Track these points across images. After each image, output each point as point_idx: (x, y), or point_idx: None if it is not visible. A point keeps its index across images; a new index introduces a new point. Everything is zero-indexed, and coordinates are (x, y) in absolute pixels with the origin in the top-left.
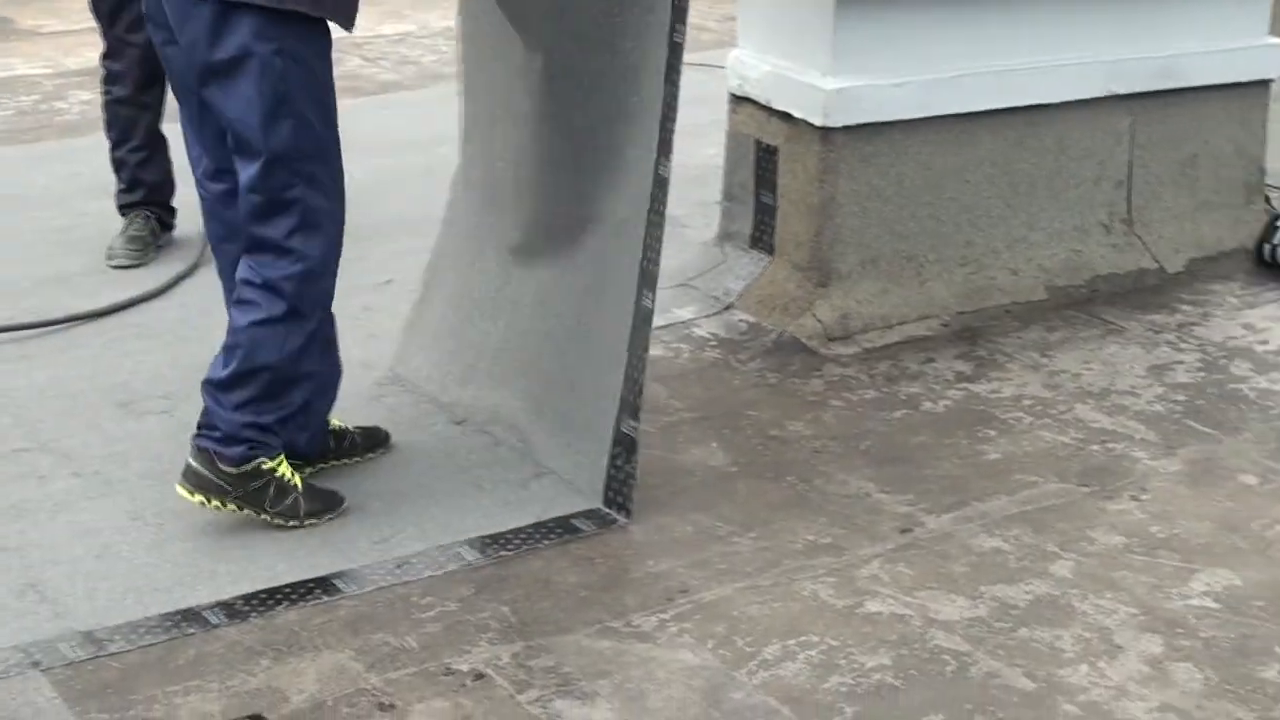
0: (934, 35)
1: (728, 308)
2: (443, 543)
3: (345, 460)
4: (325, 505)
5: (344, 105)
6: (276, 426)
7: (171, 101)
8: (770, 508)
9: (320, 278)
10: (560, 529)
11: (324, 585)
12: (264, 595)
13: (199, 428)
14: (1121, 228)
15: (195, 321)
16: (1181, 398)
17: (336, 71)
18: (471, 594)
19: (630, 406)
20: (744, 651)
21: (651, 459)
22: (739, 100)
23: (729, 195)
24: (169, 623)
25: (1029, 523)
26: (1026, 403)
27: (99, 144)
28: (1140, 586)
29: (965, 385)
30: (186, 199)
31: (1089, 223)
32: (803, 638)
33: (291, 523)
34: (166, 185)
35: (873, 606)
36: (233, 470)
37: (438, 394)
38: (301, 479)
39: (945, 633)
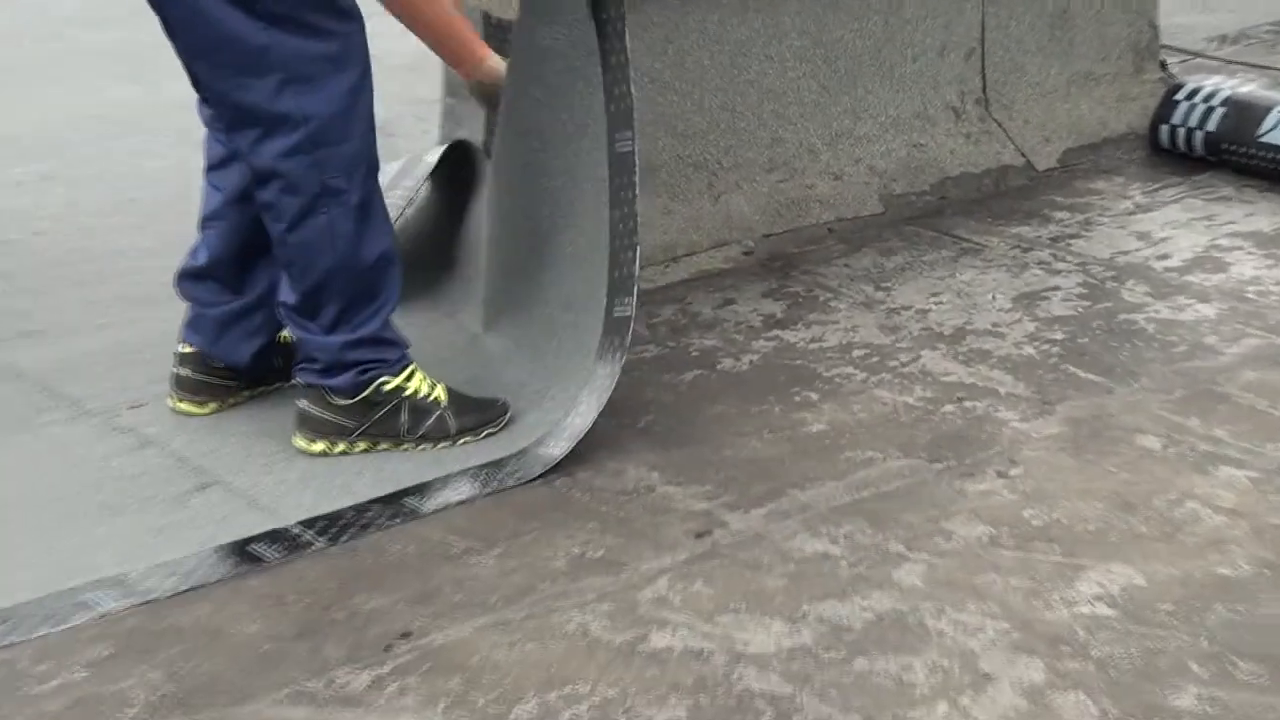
0: None
1: None
2: (65, 587)
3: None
4: (481, 418)
5: None
6: (385, 331)
7: None
8: (520, 514)
9: (338, 142)
10: (235, 558)
11: None
12: None
13: (297, 361)
14: (976, 111)
15: None
16: (1059, 336)
17: None
18: (108, 656)
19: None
20: (488, 713)
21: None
22: None
23: (452, 90)
24: None
25: (864, 515)
26: (858, 353)
27: None
28: (1013, 593)
29: (776, 333)
30: None
31: (933, 107)
32: (568, 689)
33: (442, 444)
34: None
35: (660, 641)
36: (348, 401)
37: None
38: (446, 388)
39: (758, 670)
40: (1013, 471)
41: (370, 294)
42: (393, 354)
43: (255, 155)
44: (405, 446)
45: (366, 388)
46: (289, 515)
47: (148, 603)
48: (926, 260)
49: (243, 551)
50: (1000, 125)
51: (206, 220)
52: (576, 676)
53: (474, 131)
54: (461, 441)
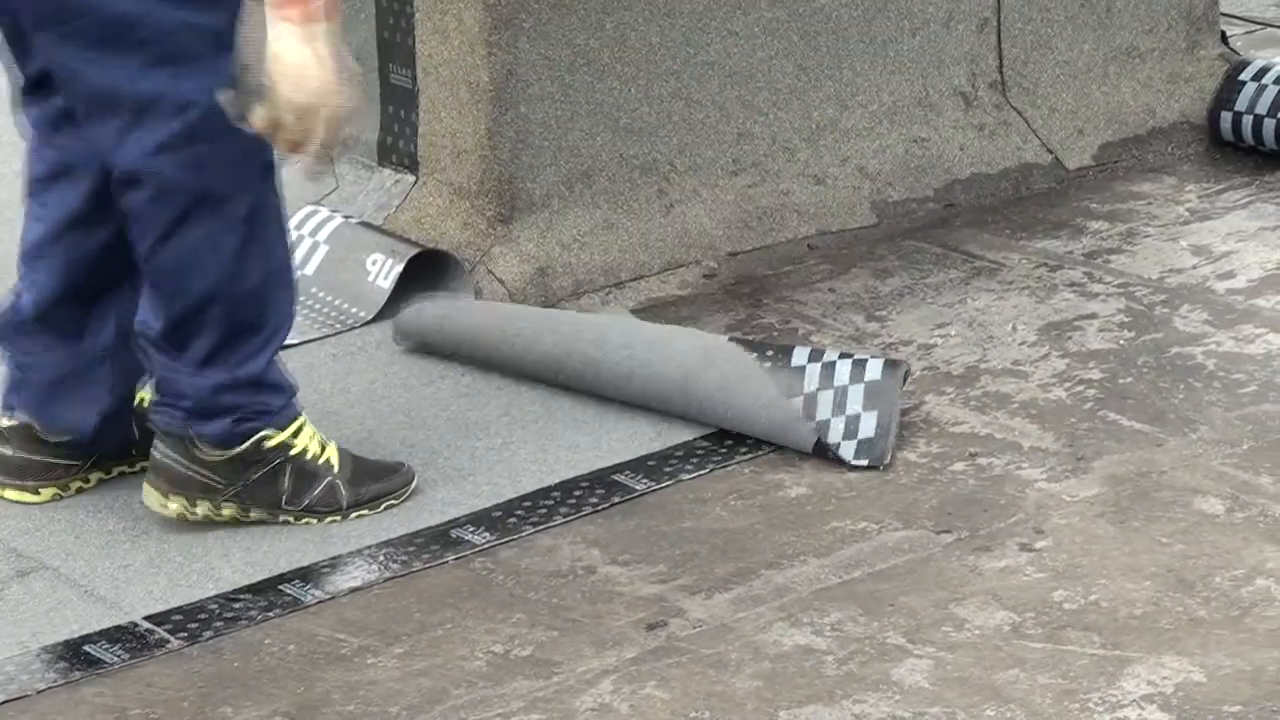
0: None
1: None
2: None
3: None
4: (380, 488)
5: None
6: (271, 371)
7: None
8: (428, 603)
9: (223, 136)
10: (66, 660)
11: None
12: None
13: (157, 393)
14: (991, 97)
15: None
16: (1096, 375)
17: None
18: None
19: None
20: None
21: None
22: None
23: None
24: None
25: (856, 599)
26: None
27: None
28: (1040, 694)
29: None
30: None
31: (938, 91)
32: None
33: (331, 519)
34: None
35: None
36: (219, 456)
37: None
38: (339, 448)
39: None
40: (1039, 544)
41: (255, 324)
42: (277, 400)
43: (120, 152)
44: (284, 519)
45: (243, 441)
46: (135, 608)
47: None
48: (930, 283)
49: (76, 653)
50: (1021, 114)
51: (29, 258)
52: None
53: (369, 129)
54: (354, 515)
